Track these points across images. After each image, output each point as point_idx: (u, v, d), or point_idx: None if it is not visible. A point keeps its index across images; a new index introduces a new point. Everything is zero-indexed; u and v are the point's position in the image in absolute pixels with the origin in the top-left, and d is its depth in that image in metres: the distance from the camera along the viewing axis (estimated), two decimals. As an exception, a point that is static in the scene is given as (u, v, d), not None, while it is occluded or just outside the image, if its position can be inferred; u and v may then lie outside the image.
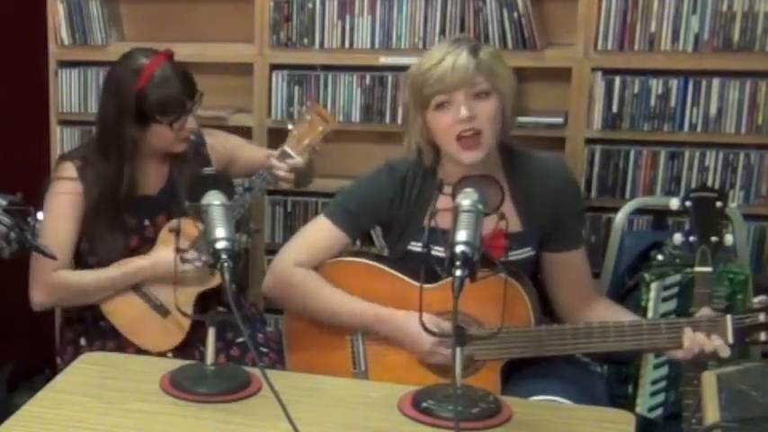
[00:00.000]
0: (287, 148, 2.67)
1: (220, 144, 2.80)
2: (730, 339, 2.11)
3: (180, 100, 2.55)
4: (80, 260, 2.66)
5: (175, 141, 2.60)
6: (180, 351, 2.58)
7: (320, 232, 2.41)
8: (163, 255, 2.54)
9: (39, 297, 2.62)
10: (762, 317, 2.10)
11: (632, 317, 2.32)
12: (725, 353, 2.11)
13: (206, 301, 2.59)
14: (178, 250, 2.13)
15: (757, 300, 2.14)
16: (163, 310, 2.62)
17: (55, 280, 2.59)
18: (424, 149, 2.32)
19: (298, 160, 2.65)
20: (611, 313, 2.32)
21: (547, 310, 2.39)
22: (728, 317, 2.13)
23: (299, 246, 2.42)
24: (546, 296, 2.40)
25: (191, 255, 2.48)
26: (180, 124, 2.56)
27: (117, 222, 2.61)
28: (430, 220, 1.95)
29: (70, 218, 2.60)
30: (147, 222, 2.65)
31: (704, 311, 2.16)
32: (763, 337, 2.11)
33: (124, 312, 2.63)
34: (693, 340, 2.12)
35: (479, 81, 2.21)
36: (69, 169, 2.62)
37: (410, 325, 2.22)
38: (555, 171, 2.38)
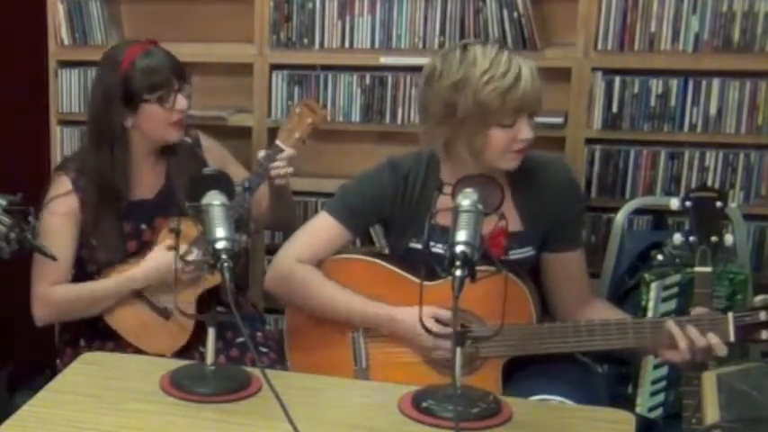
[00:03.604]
0: (279, 143, 2.67)
1: (216, 148, 2.81)
2: (732, 337, 2.11)
3: (165, 74, 2.54)
4: (81, 268, 2.66)
5: (168, 126, 2.57)
6: (180, 353, 2.58)
7: (322, 228, 2.41)
8: (159, 257, 2.53)
9: (40, 313, 2.64)
10: (763, 315, 2.10)
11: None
12: (722, 351, 2.11)
13: (207, 302, 2.59)
14: (177, 251, 2.13)
15: (759, 298, 2.14)
16: (165, 313, 2.61)
17: (53, 296, 2.60)
18: (471, 158, 2.27)
19: (291, 151, 2.65)
20: (609, 315, 2.32)
21: (544, 310, 2.39)
22: (730, 315, 2.13)
23: (301, 242, 2.42)
24: (544, 296, 2.40)
25: (189, 254, 2.48)
26: (170, 103, 2.54)
27: (114, 228, 2.61)
28: (429, 220, 1.95)
29: (67, 235, 2.60)
30: (143, 227, 2.64)
31: (698, 310, 2.16)
32: (764, 335, 2.11)
33: (126, 317, 2.63)
34: (684, 336, 2.12)
35: (540, 102, 2.23)
36: (64, 183, 2.61)
37: (410, 322, 2.22)
38: (556, 171, 2.38)
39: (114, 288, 2.59)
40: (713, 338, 2.11)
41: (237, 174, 2.74)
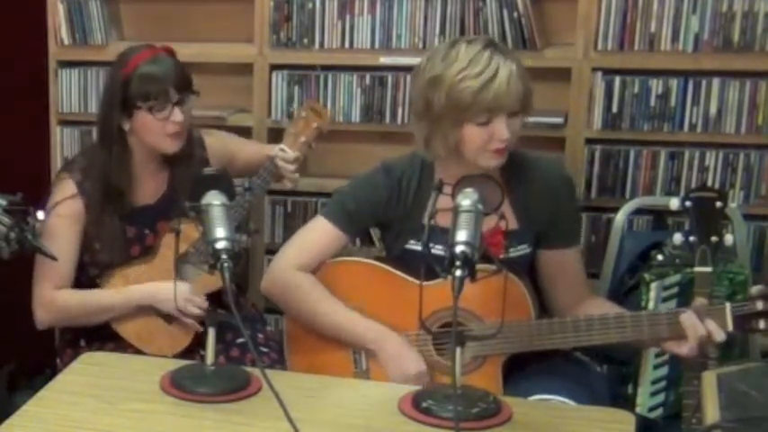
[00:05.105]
0: (285, 147, 2.68)
1: (219, 144, 2.79)
2: (730, 327, 2.12)
3: (163, 84, 2.50)
4: (82, 271, 2.66)
5: (163, 136, 2.53)
6: (181, 356, 2.57)
7: (319, 232, 2.41)
8: (164, 288, 2.52)
9: (41, 316, 2.63)
10: (760, 304, 2.11)
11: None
12: (720, 336, 2.11)
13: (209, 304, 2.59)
14: (177, 250, 2.13)
15: (755, 288, 2.14)
16: (168, 316, 2.61)
17: (56, 300, 2.59)
18: (445, 154, 2.29)
19: (297, 154, 2.69)
20: (607, 312, 2.32)
21: (542, 308, 2.39)
22: (728, 304, 2.13)
23: (298, 247, 2.42)
24: (541, 295, 2.40)
25: (194, 298, 2.52)
26: (163, 114, 2.50)
27: (117, 230, 2.60)
28: (429, 220, 1.95)
29: (71, 238, 2.58)
30: (147, 231, 2.64)
31: (699, 301, 2.16)
32: (762, 325, 2.12)
33: (130, 320, 2.62)
34: (691, 323, 2.12)
35: (518, 103, 2.21)
36: (69, 186, 2.59)
37: (397, 351, 2.27)
38: (551, 169, 2.39)
39: (119, 302, 2.59)
40: (710, 324, 2.11)
41: (251, 154, 2.80)
